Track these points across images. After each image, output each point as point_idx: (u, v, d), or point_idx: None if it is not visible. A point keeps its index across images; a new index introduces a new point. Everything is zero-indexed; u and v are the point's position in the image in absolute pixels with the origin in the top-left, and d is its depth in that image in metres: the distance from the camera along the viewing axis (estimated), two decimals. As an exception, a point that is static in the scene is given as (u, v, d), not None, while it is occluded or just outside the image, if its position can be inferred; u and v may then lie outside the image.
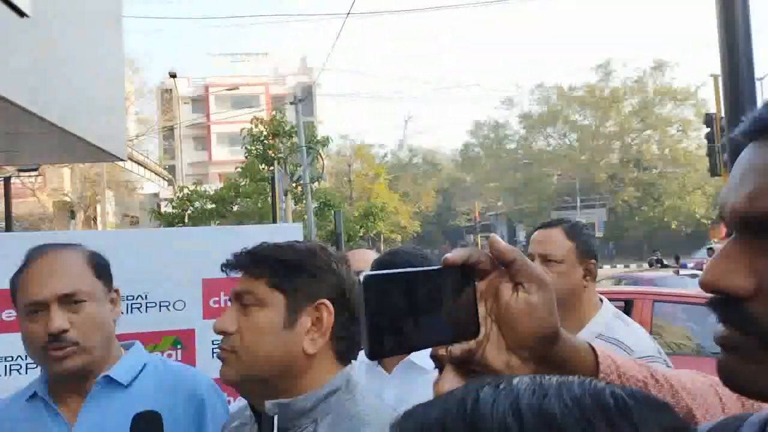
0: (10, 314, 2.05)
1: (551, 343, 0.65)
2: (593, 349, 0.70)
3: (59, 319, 1.41)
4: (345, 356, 1.21)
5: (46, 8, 4.15)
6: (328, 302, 1.17)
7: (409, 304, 0.60)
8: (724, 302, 0.53)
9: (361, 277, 0.58)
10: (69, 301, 1.44)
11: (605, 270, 24.50)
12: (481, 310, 0.66)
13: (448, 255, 0.64)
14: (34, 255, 1.50)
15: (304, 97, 20.45)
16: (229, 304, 1.23)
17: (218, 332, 1.17)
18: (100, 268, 1.53)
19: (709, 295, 0.54)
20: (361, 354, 2.22)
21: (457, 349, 0.64)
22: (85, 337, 1.44)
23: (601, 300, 2.03)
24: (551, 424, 0.42)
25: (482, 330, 0.65)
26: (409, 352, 0.57)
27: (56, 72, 4.33)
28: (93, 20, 5.29)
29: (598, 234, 33.02)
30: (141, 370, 1.54)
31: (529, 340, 0.64)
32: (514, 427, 0.42)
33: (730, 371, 0.54)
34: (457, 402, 0.45)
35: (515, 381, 0.46)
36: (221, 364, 1.17)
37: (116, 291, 1.57)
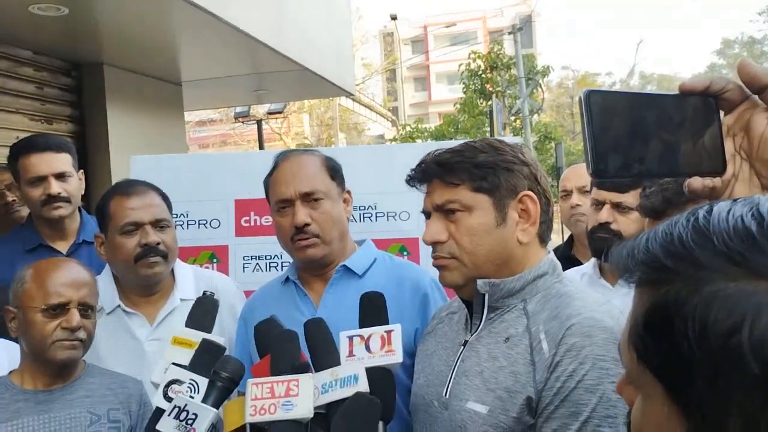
0: (267, 220, 2.40)
1: None
2: None
3: (302, 213, 1.62)
4: (544, 239, 1.26)
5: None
6: (530, 192, 1.20)
7: (639, 126, 0.57)
8: None
9: (582, 93, 0.56)
10: (309, 198, 1.63)
11: None
12: (729, 146, 0.59)
13: (685, 81, 0.59)
14: (280, 159, 1.73)
15: (523, 26, 19.61)
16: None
17: (430, 243, 1.24)
18: (334, 171, 1.70)
19: None
20: (582, 267, 2.17)
21: (696, 182, 0.59)
22: (324, 231, 1.63)
23: None
24: None
25: (729, 168, 0.59)
26: (639, 178, 0.54)
27: (295, 14, 4.77)
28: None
29: None
30: (372, 264, 1.70)
31: None
32: (752, 225, 0.40)
33: None
34: (688, 214, 0.44)
35: (755, 197, 0.44)
36: (442, 270, 1.25)
37: (348, 192, 1.74)
